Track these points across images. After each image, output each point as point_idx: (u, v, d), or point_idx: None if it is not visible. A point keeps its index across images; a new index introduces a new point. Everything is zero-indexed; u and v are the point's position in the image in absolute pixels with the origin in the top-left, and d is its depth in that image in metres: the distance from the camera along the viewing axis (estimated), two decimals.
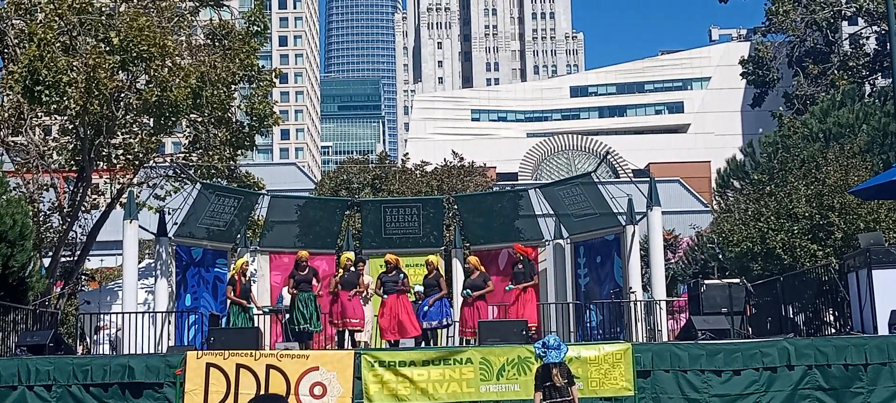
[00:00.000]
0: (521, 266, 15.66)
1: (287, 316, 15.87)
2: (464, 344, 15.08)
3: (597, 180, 18.44)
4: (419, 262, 19.29)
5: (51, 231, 21.73)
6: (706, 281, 15.87)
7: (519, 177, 73.61)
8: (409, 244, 19.95)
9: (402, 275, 15.51)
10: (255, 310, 15.95)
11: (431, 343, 16.10)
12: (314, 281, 15.54)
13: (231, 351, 13.01)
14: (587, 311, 18.12)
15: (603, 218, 18.30)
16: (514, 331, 13.92)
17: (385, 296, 15.49)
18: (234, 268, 16.13)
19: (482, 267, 15.80)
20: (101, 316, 18.29)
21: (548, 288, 19.45)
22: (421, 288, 16.63)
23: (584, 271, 18.92)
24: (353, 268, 15.61)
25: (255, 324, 15.54)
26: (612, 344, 13.41)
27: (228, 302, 15.79)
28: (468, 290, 15.37)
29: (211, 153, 22.23)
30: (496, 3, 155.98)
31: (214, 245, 18.59)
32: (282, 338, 16.04)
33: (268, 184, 25.47)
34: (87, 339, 18.77)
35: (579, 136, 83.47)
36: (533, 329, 15.51)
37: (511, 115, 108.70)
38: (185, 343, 16.66)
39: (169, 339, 16.79)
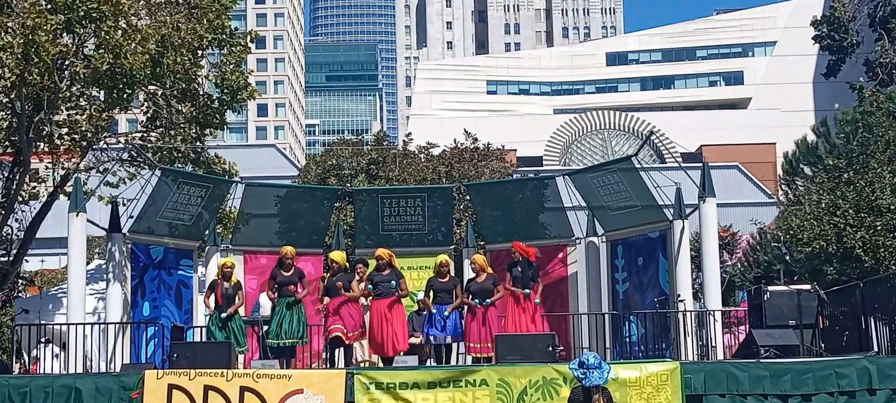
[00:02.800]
0: (519, 268, 15.63)
1: (266, 327, 15.89)
2: (478, 363, 15.03)
3: (638, 165, 18.40)
4: (424, 264, 19.35)
5: None
6: (770, 288, 15.90)
7: (544, 162, 73.64)
8: (412, 242, 19.99)
9: (395, 278, 15.39)
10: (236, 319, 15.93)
11: (431, 361, 16.11)
12: (299, 285, 15.49)
13: (198, 370, 13.05)
14: (626, 323, 18.15)
15: (645, 211, 18.29)
16: (539, 347, 13.96)
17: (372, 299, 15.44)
18: (216, 271, 16.21)
19: (490, 269, 15.78)
20: (43, 327, 18.31)
21: (578, 295, 19.52)
22: (421, 295, 16.61)
23: (622, 275, 18.92)
24: (344, 271, 15.55)
25: (243, 339, 15.61)
26: (656, 363, 13.43)
27: (207, 311, 15.86)
28: (477, 298, 15.34)
29: (173, 132, 22.27)
30: None
31: (178, 243, 18.64)
32: (259, 355, 16.09)
33: (242, 170, 25.50)
34: (26, 356, 18.83)
35: (617, 113, 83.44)
36: (561, 347, 15.47)
37: (535, 88, 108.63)
38: (143, 361, 16.73)
39: (123, 355, 16.84)
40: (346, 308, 15.31)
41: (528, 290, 15.49)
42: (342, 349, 15.45)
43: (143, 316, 17.85)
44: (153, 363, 16.22)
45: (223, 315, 15.36)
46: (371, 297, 15.43)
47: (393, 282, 15.29)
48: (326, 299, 15.28)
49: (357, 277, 15.80)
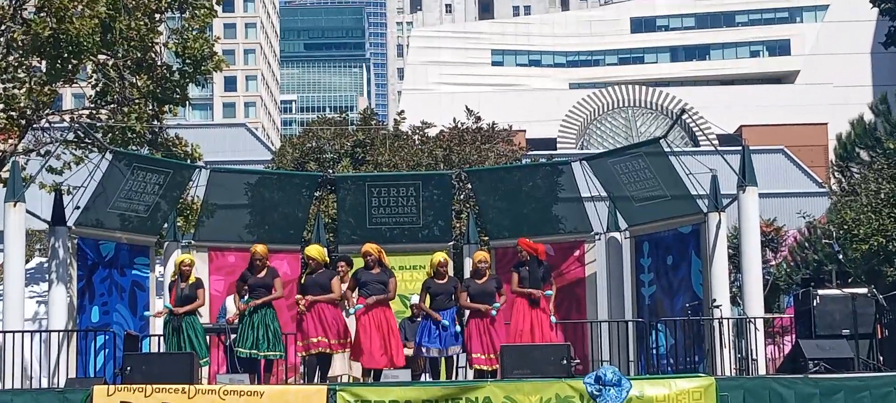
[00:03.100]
0: (527, 268, 15.61)
1: (233, 336, 15.83)
2: (481, 378, 15.05)
3: (668, 149, 18.38)
4: (418, 263, 19.39)
5: None
6: (820, 291, 15.90)
7: (558, 145, 73.62)
8: (404, 237, 20.00)
9: (386, 277, 15.35)
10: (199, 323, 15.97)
11: (426, 376, 16.11)
12: (274, 288, 15.47)
13: (155, 385, 13.06)
14: (653, 333, 18.15)
15: (676, 202, 18.28)
16: (552, 360, 13.99)
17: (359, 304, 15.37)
18: (173, 270, 16.25)
19: (488, 271, 15.77)
20: None
21: (597, 299, 19.54)
22: (416, 298, 16.62)
23: (649, 276, 18.93)
24: (321, 269, 15.44)
25: (203, 348, 15.63)
26: (688, 379, 13.46)
27: (162, 316, 15.86)
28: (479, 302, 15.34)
29: (127, 109, 22.22)
30: None
31: (132, 238, 18.61)
32: (226, 368, 16.06)
33: (206, 153, 25.45)
34: None
35: (643, 88, 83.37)
36: (577, 360, 15.49)
37: (547, 58, 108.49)
38: (91, 375, 16.69)
39: (68, 369, 16.82)
40: (326, 312, 15.21)
41: (550, 293, 15.51)
42: (321, 360, 15.36)
43: (91, 322, 17.78)
44: (103, 377, 16.19)
45: (166, 309, 15.39)
46: (356, 301, 15.36)
47: (383, 280, 15.27)
48: (303, 300, 15.18)
49: (338, 276, 15.72)
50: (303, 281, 15.45)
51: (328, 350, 15.20)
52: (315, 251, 15.62)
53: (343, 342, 15.37)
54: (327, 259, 15.93)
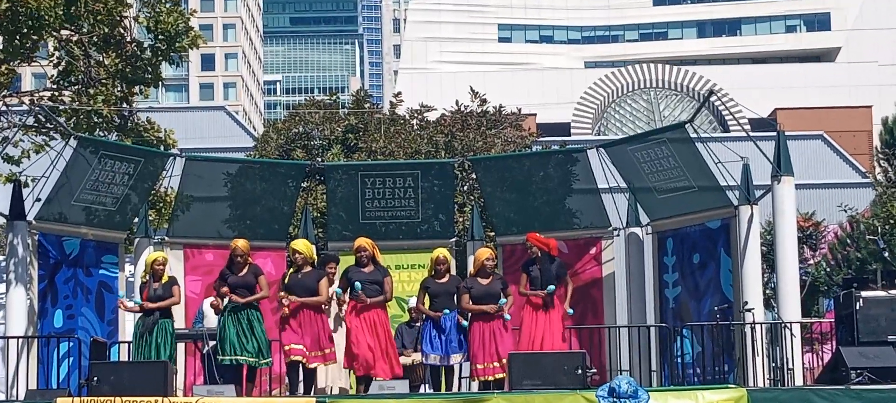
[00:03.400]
0: (538, 267, 15.60)
1: (212, 342, 15.87)
2: (487, 389, 15.08)
3: (694, 135, 18.38)
4: (417, 261, 19.46)
5: None
6: (864, 293, 15.85)
7: (573, 130, 73.63)
8: (401, 233, 20.05)
9: (381, 276, 15.34)
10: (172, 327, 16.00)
11: (425, 387, 16.11)
12: (259, 286, 15.42)
13: (125, 397, 13.06)
14: (678, 339, 18.17)
15: (703, 194, 18.30)
16: (565, 369, 13.99)
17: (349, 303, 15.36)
18: (144, 268, 16.28)
19: (494, 270, 15.77)
20: None
21: (616, 302, 19.57)
22: (415, 301, 16.66)
23: (673, 276, 18.97)
24: (308, 268, 15.42)
25: (174, 355, 15.70)
26: (717, 391, 13.49)
27: (133, 310, 15.89)
28: (502, 300, 15.33)
29: (93, 91, 22.21)
30: None
31: (98, 234, 18.63)
32: (203, 378, 16.09)
33: (181, 140, 25.47)
34: None
35: (667, 67, 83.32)
36: (594, 370, 15.47)
37: (560, 34, 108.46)
38: (54, 386, 16.69)
39: (29, 379, 16.83)
40: (306, 317, 15.15)
41: (552, 288, 15.49)
42: (300, 370, 15.31)
43: (54, 328, 17.80)
44: (67, 388, 16.20)
45: (137, 305, 15.43)
46: (346, 302, 15.36)
47: (378, 279, 15.24)
48: (287, 299, 15.10)
49: (327, 278, 15.68)
50: (286, 280, 15.35)
51: (303, 360, 15.09)
52: (303, 245, 15.53)
53: (324, 353, 15.25)
54: (315, 256, 15.88)
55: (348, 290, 15.37)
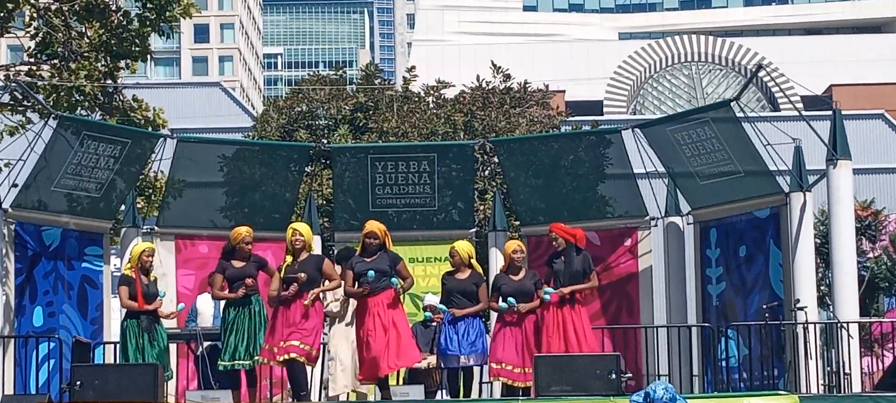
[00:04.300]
0: (563, 260, 15.62)
1: (208, 343, 15.93)
2: (511, 395, 15.13)
3: (741, 114, 18.34)
4: (433, 254, 19.58)
5: None
6: None
7: (605, 109, 73.46)
8: (416, 223, 20.08)
9: (390, 263, 15.17)
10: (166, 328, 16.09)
11: (443, 393, 16.16)
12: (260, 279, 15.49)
13: None
14: (722, 340, 18.14)
15: (750, 180, 18.28)
16: (597, 373, 14.02)
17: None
18: (129, 260, 16.25)
19: (524, 264, 15.81)
20: None
21: (653, 299, 19.56)
22: (434, 300, 16.72)
23: (717, 271, 18.93)
24: (305, 255, 15.20)
25: (165, 357, 15.71)
26: (765, 398, 13.56)
27: (122, 316, 15.88)
28: (512, 299, 15.39)
29: (74, 65, 22.27)
30: None
31: (81, 223, 18.66)
32: (197, 383, 16.16)
33: (172, 120, 25.48)
34: None
35: (710, 39, 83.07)
36: (629, 374, 15.59)
37: (592, 1, 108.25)
38: (33, 391, 16.78)
39: (5, 383, 16.83)
40: (299, 309, 14.95)
41: (581, 287, 15.53)
42: (301, 370, 15.18)
43: (32, 327, 17.80)
44: (47, 394, 16.17)
45: (152, 314, 15.43)
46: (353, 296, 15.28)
47: (387, 271, 15.03)
48: (308, 300, 14.94)
49: (328, 260, 15.56)
50: (283, 271, 15.15)
51: (301, 357, 14.89)
52: (304, 227, 15.46)
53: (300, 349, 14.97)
54: (312, 245, 15.74)
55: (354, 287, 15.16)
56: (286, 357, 14.85)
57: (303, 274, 14.88)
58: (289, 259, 15.24)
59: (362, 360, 15.08)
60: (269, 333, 15.09)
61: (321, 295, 15.29)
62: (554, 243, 15.80)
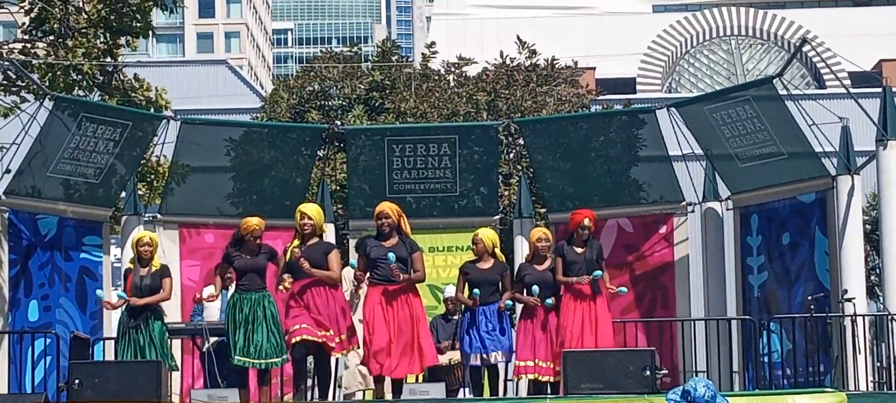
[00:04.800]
0: (577, 250, 15.56)
1: (214, 339, 15.92)
2: (538, 393, 15.14)
3: (784, 92, 18.26)
4: (454, 243, 19.61)
5: None
6: None
7: (639, 87, 73.33)
8: (436, 210, 20.10)
9: (407, 251, 15.00)
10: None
11: (466, 392, 16.14)
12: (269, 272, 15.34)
13: None
14: (765, 334, 18.04)
15: (794, 162, 18.26)
16: (630, 369, 14.01)
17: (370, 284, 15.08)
18: (131, 249, 16.28)
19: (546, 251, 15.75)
20: None
21: (690, 290, 19.58)
22: (452, 290, 16.67)
23: (758, 260, 18.91)
24: (315, 239, 15.01)
25: (168, 357, 15.63)
26: (811, 395, 13.50)
27: (121, 310, 15.87)
28: (536, 288, 15.35)
29: (71, 42, 22.27)
30: None
31: (79, 211, 18.67)
32: (203, 381, 16.22)
33: (176, 100, 25.51)
34: None
35: (751, 11, 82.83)
36: (664, 371, 15.54)
37: None
38: (28, 390, 16.70)
39: None
40: (319, 294, 14.83)
41: (599, 273, 15.45)
42: (314, 360, 15.11)
43: (28, 322, 17.80)
44: (43, 393, 16.02)
45: (122, 299, 15.35)
46: (365, 282, 15.08)
47: (403, 255, 14.87)
48: (289, 279, 14.76)
49: (337, 252, 15.28)
50: (288, 257, 14.95)
51: (315, 339, 14.64)
52: (314, 210, 15.21)
53: (344, 339, 14.90)
54: (324, 228, 15.54)
55: (367, 275, 14.99)
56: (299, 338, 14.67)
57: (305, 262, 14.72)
58: (296, 241, 15.04)
59: (370, 354, 14.89)
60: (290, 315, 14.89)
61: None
62: (583, 230, 15.63)
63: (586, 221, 15.67)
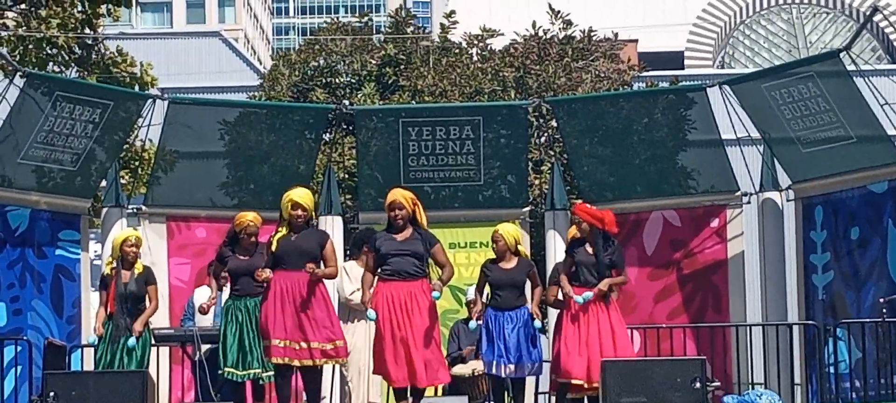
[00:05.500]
0: (588, 249, 15.32)
1: (207, 347, 15.97)
2: None
3: (852, 66, 18.21)
4: (478, 238, 19.62)
5: None
6: None
7: (687, 62, 73.42)
8: (458, 201, 20.11)
9: (424, 243, 14.70)
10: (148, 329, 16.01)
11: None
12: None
13: None
14: (830, 340, 18.03)
15: (864, 147, 18.22)
16: (678, 380, 14.00)
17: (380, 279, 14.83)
18: (111, 253, 16.19)
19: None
20: None
21: (745, 291, 19.55)
22: (472, 293, 16.40)
23: (823, 257, 18.90)
24: (308, 228, 14.77)
25: (147, 364, 15.72)
26: None
27: (99, 317, 15.86)
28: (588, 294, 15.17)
29: (45, 12, 22.27)
30: None
31: (54, 202, 18.73)
32: (194, 393, 16.25)
33: (163, 77, 25.68)
34: None
35: None
36: (716, 382, 15.46)
37: None
38: None
39: None
40: (303, 299, 14.48)
41: (588, 296, 15.07)
42: (302, 375, 14.87)
43: None
44: None
45: (129, 339, 15.35)
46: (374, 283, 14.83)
47: (420, 253, 14.65)
48: (268, 273, 14.41)
49: (331, 242, 15.01)
50: (274, 248, 14.58)
51: (302, 361, 14.44)
52: (306, 197, 14.87)
53: (331, 348, 14.54)
54: (314, 212, 15.42)
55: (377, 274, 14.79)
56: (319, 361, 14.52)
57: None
58: (283, 230, 14.64)
59: (380, 363, 14.71)
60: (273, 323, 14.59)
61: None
62: (577, 228, 15.39)
63: (575, 217, 15.43)
